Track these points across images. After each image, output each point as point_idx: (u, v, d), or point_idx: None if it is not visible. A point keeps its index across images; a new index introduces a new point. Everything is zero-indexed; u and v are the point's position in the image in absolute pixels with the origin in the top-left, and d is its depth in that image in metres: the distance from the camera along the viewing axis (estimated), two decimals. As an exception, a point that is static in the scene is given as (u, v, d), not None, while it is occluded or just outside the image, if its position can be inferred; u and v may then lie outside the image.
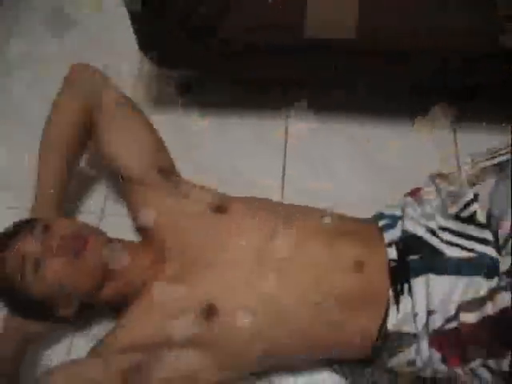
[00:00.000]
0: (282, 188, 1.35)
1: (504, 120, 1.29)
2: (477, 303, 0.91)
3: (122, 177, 1.13)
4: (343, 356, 1.05)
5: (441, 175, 1.09)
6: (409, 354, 0.97)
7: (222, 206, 1.06)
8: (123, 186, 1.15)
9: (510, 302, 0.86)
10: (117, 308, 1.07)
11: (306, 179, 1.35)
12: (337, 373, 1.11)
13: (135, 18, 1.05)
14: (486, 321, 0.88)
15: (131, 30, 1.13)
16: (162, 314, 0.96)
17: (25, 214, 1.08)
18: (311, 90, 1.42)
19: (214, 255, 0.99)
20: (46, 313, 1.02)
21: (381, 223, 1.08)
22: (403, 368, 1.00)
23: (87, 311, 1.09)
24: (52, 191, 1.10)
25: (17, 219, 1.04)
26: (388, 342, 0.98)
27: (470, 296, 0.92)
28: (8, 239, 0.98)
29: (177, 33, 1.04)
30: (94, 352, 0.99)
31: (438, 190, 1.07)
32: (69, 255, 0.95)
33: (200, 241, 1.01)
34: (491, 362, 0.87)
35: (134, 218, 1.15)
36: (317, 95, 1.42)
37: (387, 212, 1.10)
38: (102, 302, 1.04)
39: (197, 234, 1.02)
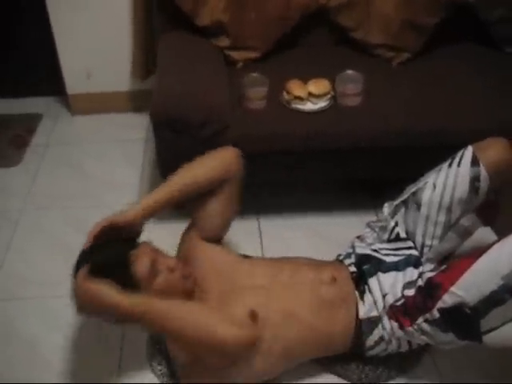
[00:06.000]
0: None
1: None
2: (413, 283, 1.39)
3: (197, 228, 1.51)
4: (336, 348, 1.44)
5: (372, 221, 1.64)
6: (378, 331, 1.40)
7: (245, 255, 1.55)
8: (189, 228, 1.54)
9: (431, 275, 1.34)
10: None
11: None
12: (330, 372, 1.49)
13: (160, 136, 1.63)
14: (419, 289, 1.35)
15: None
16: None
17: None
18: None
19: (244, 282, 1.43)
20: (129, 282, 1.26)
21: (340, 258, 1.58)
22: (377, 346, 1.41)
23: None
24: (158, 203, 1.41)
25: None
26: (363, 326, 1.41)
27: (407, 280, 1.40)
28: (133, 246, 1.33)
29: (190, 146, 1.62)
30: None
31: (373, 229, 1.60)
32: (178, 274, 1.35)
33: (234, 275, 1.45)
34: (428, 316, 1.30)
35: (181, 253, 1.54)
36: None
37: (343, 251, 1.61)
38: None
39: (232, 271, 1.46)
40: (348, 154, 1.77)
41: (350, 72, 1.76)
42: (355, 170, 1.86)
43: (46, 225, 1.99)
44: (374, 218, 1.66)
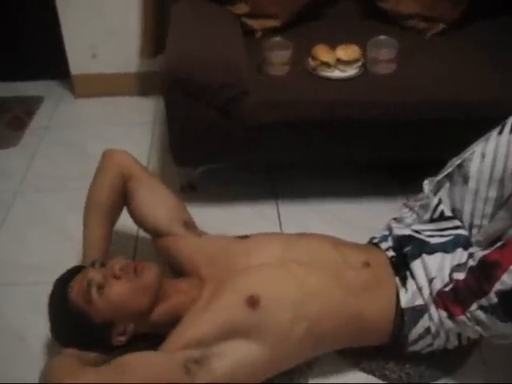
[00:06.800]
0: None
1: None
2: (462, 265, 1.19)
3: (153, 232, 1.36)
4: (371, 337, 1.24)
5: (410, 200, 1.44)
6: (423, 322, 1.20)
7: (244, 235, 1.33)
8: (155, 240, 1.37)
9: (485, 253, 1.15)
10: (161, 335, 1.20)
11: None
12: (365, 371, 1.29)
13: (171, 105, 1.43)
14: (471, 270, 1.15)
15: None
16: (212, 314, 1.15)
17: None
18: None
19: (244, 264, 1.23)
20: (102, 341, 1.15)
21: (375, 241, 1.38)
22: (421, 340, 1.21)
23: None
24: (96, 245, 1.32)
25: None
26: (406, 316, 1.20)
27: (456, 262, 1.21)
28: (73, 274, 1.18)
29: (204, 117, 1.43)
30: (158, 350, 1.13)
31: (411, 208, 1.41)
32: (128, 276, 1.15)
33: (230, 258, 1.25)
34: (483, 301, 1.10)
35: (169, 263, 1.35)
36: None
37: (378, 234, 1.41)
38: (153, 326, 1.19)
39: (226, 255, 1.27)
40: (377, 126, 1.58)
41: (382, 37, 1.59)
42: (383, 145, 1.66)
43: (42, 207, 1.81)
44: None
